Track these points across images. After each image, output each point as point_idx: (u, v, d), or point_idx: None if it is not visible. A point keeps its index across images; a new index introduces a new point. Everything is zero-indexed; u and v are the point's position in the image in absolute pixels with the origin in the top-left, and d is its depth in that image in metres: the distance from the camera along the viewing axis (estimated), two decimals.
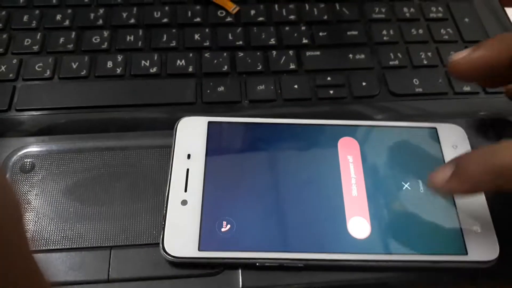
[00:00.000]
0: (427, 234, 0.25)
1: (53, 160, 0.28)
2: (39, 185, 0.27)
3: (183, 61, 0.33)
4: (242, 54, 0.33)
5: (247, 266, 0.25)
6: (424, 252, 0.25)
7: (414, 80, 0.33)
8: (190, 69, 0.32)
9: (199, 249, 0.24)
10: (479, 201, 0.26)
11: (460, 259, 0.24)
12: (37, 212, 0.26)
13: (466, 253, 0.25)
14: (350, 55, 0.34)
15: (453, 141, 0.29)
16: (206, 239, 0.24)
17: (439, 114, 0.31)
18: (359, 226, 0.25)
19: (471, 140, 0.29)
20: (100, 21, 0.35)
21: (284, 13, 0.36)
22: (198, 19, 0.35)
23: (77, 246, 0.25)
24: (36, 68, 0.32)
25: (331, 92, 0.32)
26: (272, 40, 0.34)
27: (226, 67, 0.33)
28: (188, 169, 0.27)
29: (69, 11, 0.35)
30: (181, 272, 0.24)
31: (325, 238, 0.25)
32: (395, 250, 0.25)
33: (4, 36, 0.33)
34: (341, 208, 0.26)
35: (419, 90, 0.32)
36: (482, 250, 0.25)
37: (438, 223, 0.26)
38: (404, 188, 0.27)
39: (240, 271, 0.25)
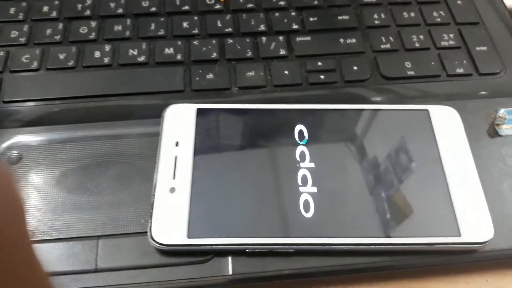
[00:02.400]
0: (419, 217, 0.25)
1: (41, 151, 0.27)
2: (26, 176, 0.27)
3: (171, 49, 0.32)
4: (231, 41, 0.33)
5: (237, 252, 0.24)
6: (416, 235, 0.24)
7: (406, 63, 0.32)
8: (179, 57, 0.32)
9: (187, 236, 0.24)
10: (473, 181, 0.26)
11: (453, 241, 0.24)
12: (24, 203, 0.26)
13: (460, 235, 0.24)
14: (341, 40, 0.33)
15: (446, 123, 0.28)
16: (194, 226, 0.24)
17: (432, 97, 0.31)
18: (349, 209, 0.25)
19: (465, 121, 0.28)
20: (88, 12, 0.34)
21: None
22: (186, 7, 0.35)
23: (65, 236, 0.25)
24: (23, 59, 0.32)
25: (322, 77, 0.31)
26: (261, 26, 0.34)
27: (215, 54, 0.32)
28: (176, 157, 0.26)
29: (56, 2, 0.35)
30: (170, 260, 0.24)
31: (315, 222, 0.24)
32: (386, 233, 0.24)
33: None
34: (332, 192, 0.25)
35: (411, 73, 0.32)
36: (476, 231, 0.24)
37: (430, 204, 0.25)
38: (396, 171, 0.26)
39: (230, 258, 0.24)
